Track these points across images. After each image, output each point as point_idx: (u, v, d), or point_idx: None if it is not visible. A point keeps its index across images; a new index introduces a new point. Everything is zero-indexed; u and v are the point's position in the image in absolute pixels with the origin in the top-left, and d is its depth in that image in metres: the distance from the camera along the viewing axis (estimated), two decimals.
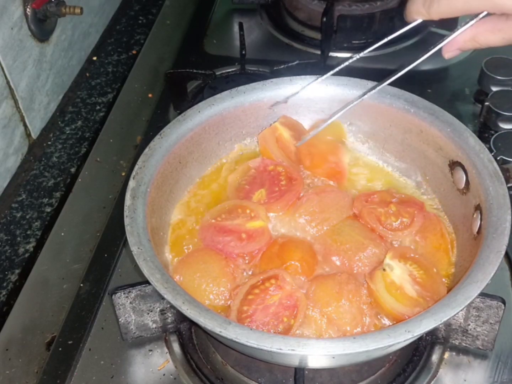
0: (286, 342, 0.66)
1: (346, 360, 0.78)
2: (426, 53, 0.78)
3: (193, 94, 1.30)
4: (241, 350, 0.81)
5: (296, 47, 1.43)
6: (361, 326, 0.77)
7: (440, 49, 0.77)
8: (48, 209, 1.18)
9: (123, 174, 1.16)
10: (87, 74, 1.47)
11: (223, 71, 1.35)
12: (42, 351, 0.90)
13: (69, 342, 0.90)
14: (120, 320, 0.85)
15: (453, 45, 0.76)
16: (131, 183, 0.83)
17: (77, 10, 1.28)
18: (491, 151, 1.06)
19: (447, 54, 0.78)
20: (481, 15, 0.71)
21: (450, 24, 0.84)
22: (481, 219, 0.80)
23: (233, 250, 0.85)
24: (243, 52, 1.33)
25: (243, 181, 0.95)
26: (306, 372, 0.82)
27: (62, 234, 1.06)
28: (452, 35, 0.75)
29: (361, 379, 0.85)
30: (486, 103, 1.19)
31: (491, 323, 0.82)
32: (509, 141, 1.13)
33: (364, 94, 0.89)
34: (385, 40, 0.84)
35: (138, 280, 0.83)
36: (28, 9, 1.20)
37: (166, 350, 0.89)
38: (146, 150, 0.87)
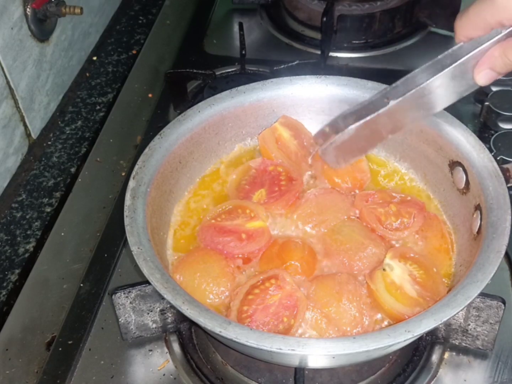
0: (286, 342, 0.66)
1: (346, 360, 0.78)
2: (444, 68, 0.71)
3: (193, 94, 1.30)
4: (241, 350, 0.81)
5: (296, 47, 1.43)
6: (361, 326, 0.77)
7: (467, 75, 0.70)
8: (48, 209, 1.18)
9: (123, 174, 1.16)
10: (87, 74, 1.47)
11: (223, 71, 1.35)
12: (42, 351, 0.90)
13: (69, 342, 0.90)
14: (120, 320, 0.85)
15: (483, 64, 0.69)
16: (131, 183, 0.83)
17: (77, 10, 1.28)
18: (491, 151, 1.06)
19: (479, 76, 0.70)
20: (510, 29, 0.66)
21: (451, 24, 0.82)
22: (481, 219, 0.80)
23: (233, 250, 0.85)
24: (243, 52, 1.33)
25: (243, 181, 0.95)
26: (306, 372, 0.82)
27: (62, 234, 1.06)
28: (477, 49, 0.69)
29: (361, 379, 0.85)
30: (486, 103, 1.19)
31: (491, 323, 0.82)
32: (509, 141, 1.13)
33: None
34: None
35: (138, 280, 0.83)
36: (28, 9, 1.20)
37: (166, 350, 0.89)
38: (146, 150, 0.88)
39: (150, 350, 0.89)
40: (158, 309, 0.86)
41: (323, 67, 1.33)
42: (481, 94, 1.26)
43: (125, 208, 0.80)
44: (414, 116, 0.77)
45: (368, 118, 0.77)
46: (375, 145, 0.87)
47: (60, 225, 1.07)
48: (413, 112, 0.76)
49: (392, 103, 0.75)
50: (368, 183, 0.95)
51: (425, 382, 0.85)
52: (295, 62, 1.31)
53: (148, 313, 0.86)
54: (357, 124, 0.78)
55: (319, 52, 1.37)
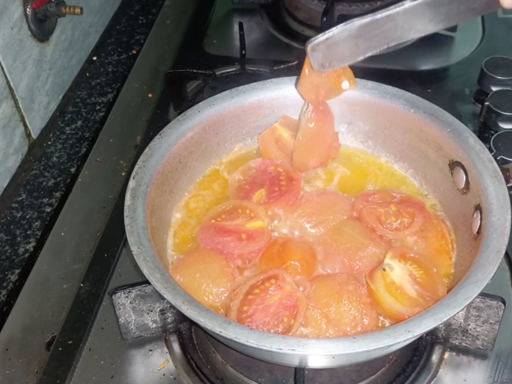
0: (286, 342, 0.66)
1: (346, 360, 0.78)
2: None
3: (193, 94, 1.30)
4: (241, 350, 0.81)
5: (296, 47, 1.43)
6: (361, 326, 0.77)
7: None
8: (48, 209, 1.18)
9: (123, 174, 1.16)
10: (87, 74, 1.48)
11: (223, 71, 1.35)
12: (42, 351, 0.90)
13: (69, 342, 0.90)
14: (120, 320, 0.85)
15: None
16: (131, 183, 0.83)
17: (77, 10, 1.28)
18: (491, 151, 1.06)
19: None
20: None
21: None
22: (481, 219, 0.80)
23: (233, 251, 0.85)
24: (243, 52, 1.34)
25: (243, 181, 0.95)
26: (306, 372, 0.82)
27: (62, 234, 1.06)
28: None
29: (361, 379, 0.85)
30: (486, 103, 1.19)
31: (491, 323, 0.82)
32: (509, 141, 1.13)
33: None
34: None
35: (138, 280, 0.83)
36: (28, 9, 1.20)
37: (166, 350, 0.89)
38: (146, 150, 0.88)
39: (150, 350, 0.89)
40: (158, 309, 0.86)
41: None
42: (481, 94, 1.26)
43: (125, 208, 0.80)
44: (423, 26, 0.72)
45: (378, 16, 0.72)
46: (370, 53, 0.79)
47: (60, 225, 1.07)
48: (424, 20, 0.72)
49: (406, 5, 0.71)
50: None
51: (425, 382, 0.85)
52: (295, 62, 1.31)
53: (148, 313, 0.86)
54: (363, 21, 0.73)
55: None
